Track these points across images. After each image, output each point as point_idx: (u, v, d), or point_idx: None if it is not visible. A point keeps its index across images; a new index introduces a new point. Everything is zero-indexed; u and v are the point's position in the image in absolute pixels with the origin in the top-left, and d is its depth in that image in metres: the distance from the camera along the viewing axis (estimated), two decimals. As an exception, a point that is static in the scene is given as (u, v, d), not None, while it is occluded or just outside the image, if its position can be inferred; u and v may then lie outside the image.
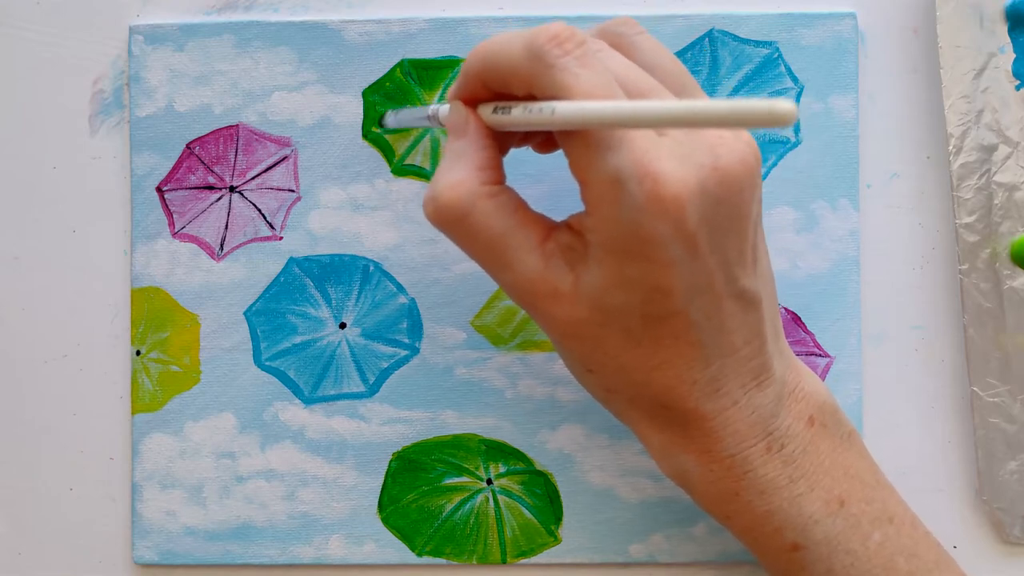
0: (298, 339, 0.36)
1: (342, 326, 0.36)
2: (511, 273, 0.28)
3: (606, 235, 0.26)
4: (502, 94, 0.28)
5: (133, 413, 0.36)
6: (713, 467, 0.29)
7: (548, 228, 0.28)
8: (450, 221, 0.28)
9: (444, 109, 0.30)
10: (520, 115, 0.27)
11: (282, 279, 0.36)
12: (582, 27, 0.35)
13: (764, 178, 0.35)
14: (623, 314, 0.27)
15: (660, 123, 0.23)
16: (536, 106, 0.26)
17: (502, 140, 0.29)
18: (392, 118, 0.35)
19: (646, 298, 0.27)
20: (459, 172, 0.28)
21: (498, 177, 0.28)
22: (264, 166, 0.36)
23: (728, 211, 0.26)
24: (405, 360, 0.36)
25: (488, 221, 0.28)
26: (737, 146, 0.26)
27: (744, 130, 0.27)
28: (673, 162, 0.25)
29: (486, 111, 0.28)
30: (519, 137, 0.31)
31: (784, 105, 0.21)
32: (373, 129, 0.36)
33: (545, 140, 0.31)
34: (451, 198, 0.27)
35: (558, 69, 0.26)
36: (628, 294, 0.27)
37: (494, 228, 0.28)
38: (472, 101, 0.29)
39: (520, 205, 0.28)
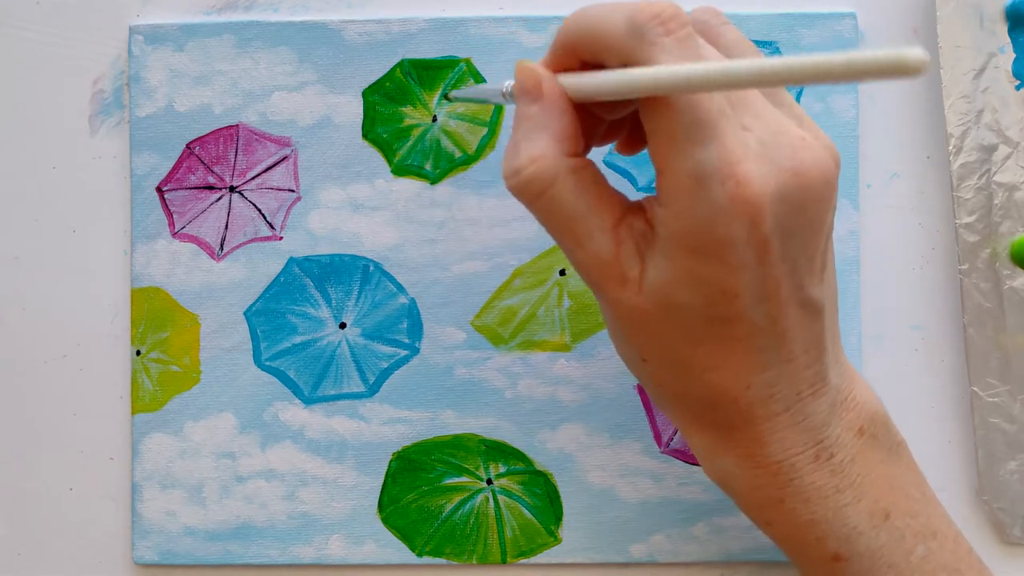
0: (298, 339, 0.36)
1: (342, 326, 0.36)
2: (582, 252, 0.27)
3: (678, 229, 0.26)
4: (592, 66, 0.27)
5: (133, 413, 0.36)
6: (758, 472, 0.28)
7: (623, 209, 0.28)
8: (530, 196, 0.27)
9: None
10: (611, 77, 0.25)
11: (282, 279, 0.36)
12: (582, 27, 0.35)
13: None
14: (685, 311, 0.27)
15: (775, 80, 0.22)
16: (636, 70, 0.25)
17: (587, 127, 0.28)
18: (460, 94, 0.34)
19: (711, 299, 0.26)
20: (541, 143, 0.27)
21: (579, 147, 0.27)
22: (264, 166, 0.36)
23: (804, 218, 0.26)
24: (405, 360, 0.36)
25: (568, 197, 0.27)
26: (820, 153, 0.26)
27: (827, 138, 0.27)
28: (757, 164, 0.25)
29: (567, 78, 0.27)
30: (603, 132, 0.30)
31: (914, 53, 0.20)
32: (447, 97, 0.35)
33: (629, 138, 0.31)
34: (533, 172, 0.27)
35: (658, 48, 0.25)
36: (693, 292, 0.26)
37: (572, 205, 0.27)
38: (559, 71, 0.28)
39: (599, 180, 0.27)
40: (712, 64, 0.23)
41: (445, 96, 0.35)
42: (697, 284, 0.26)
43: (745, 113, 0.26)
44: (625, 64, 0.26)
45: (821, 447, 0.28)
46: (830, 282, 0.28)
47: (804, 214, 0.26)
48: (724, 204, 0.25)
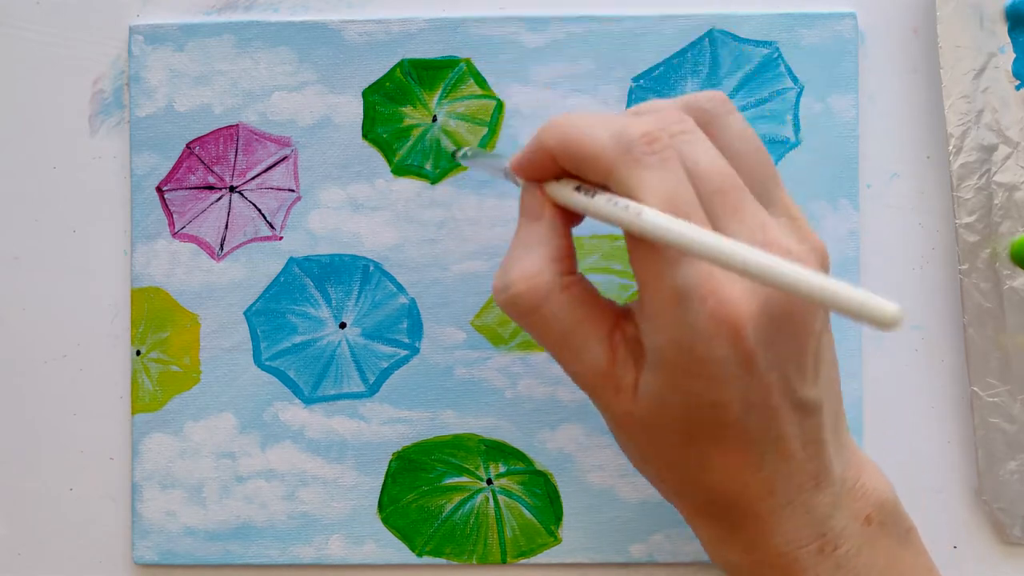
0: (298, 339, 0.36)
1: (342, 326, 0.36)
2: (578, 365, 0.27)
3: (661, 344, 0.26)
4: (572, 175, 0.27)
5: (133, 413, 0.36)
6: (763, 564, 0.28)
7: (616, 316, 0.28)
8: (521, 312, 0.27)
9: None
10: (603, 206, 0.26)
11: (282, 279, 0.36)
12: (581, 27, 0.35)
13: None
14: (679, 420, 0.26)
15: (743, 272, 0.23)
16: (623, 202, 0.25)
17: (574, 215, 0.29)
18: (464, 157, 0.35)
19: (699, 408, 0.26)
20: (535, 262, 0.27)
21: (572, 266, 0.28)
22: (264, 166, 0.36)
23: (790, 330, 0.26)
24: (405, 360, 0.36)
25: (560, 314, 0.27)
26: (806, 264, 0.25)
27: (817, 240, 0.27)
28: (739, 283, 0.25)
29: (564, 190, 0.27)
30: None
31: (888, 309, 0.20)
32: (453, 155, 0.35)
33: None
34: (525, 289, 0.27)
35: (643, 166, 0.25)
36: (684, 402, 0.26)
37: (565, 321, 0.27)
38: (539, 173, 0.28)
39: (591, 294, 0.28)
40: (693, 231, 0.23)
41: (453, 155, 0.35)
42: (685, 394, 0.26)
43: (732, 221, 0.26)
44: (608, 178, 0.26)
45: (825, 539, 0.28)
46: (828, 377, 0.28)
47: (790, 326, 0.26)
48: (703, 323, 0.25)
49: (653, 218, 0.24)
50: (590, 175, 0.27)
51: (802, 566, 0.28)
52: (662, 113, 0.26)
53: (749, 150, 0.28)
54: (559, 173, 0.28)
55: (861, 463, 0.29)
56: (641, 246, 0.26)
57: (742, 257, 0.23)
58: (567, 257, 0.28)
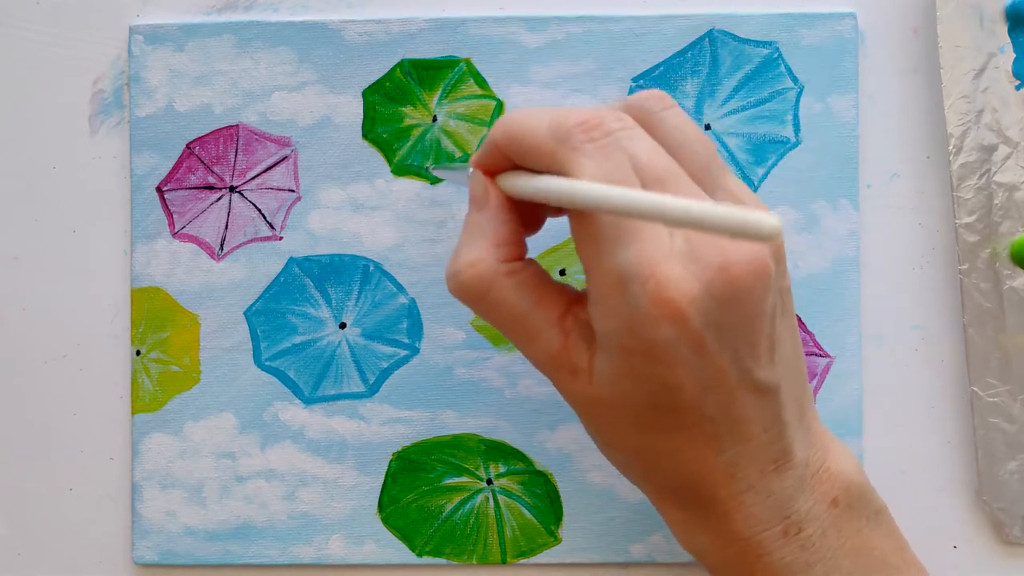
0: (298, 339, 0.36)
1: (342, 326, 0.36)
2: (533, 348, 0.28)
3: (609, 329, 0.26)
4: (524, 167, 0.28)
5: (133, 413, 0.36)
6: (728, 549, 0.28)
7: (569, 301, 0.28)
8: (470, 298, 0.28)
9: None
10: (523, 185, 0.27)
11: (282, 279, 0.36)
12: (580, 27, 0.35)
13: (764, 178, 0.35)
14: (632, 403, 0.27)
15: (639, 214, 0.23)
16: (556, 179, 0.26)
17: (531, 211, 0.29)
18: (435, 169, 0.35)
19: (654, 392, 0.26)
20: (478, 249, 0.28)
21: (518, 252, 0.28)
22: (264, 166, 0.36)
23: (738, 311, 0.26)
24: (405, 360, 0.36)
25: (508, 299, 0.28)
26: (749, 246, 0.26)
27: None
28: (679, 265, 0.25)
29: (507, 177, 0.28)
30: (554, 209, 0.30)
31: (769, 222, 0.21)
32: (426, 168, 0.36)
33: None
34: (470, 276, 0.28)
35: (580, 153, 0.26)
36: (636, 386, 0.26)
37: (514, 306, 0.28)
38: (494, 170, 0.29)
39: (541, 280, 0.28)
40: (599, 188, 0.24)
41: (425, 169, 0.36)
42: (638, 378, 0.26)
43: None
44: (551, 169, 0.27)
45: (790, 522, 0.28)
46: (786, 359, 0.28)
47: (737, 307, 0.26)
48: (646, 305, 0.25)
49: (558, 184, 0.25)
50: (535, 167, 0.27)
51: (767, 549, 0.28)
52: (600, 110, 0.27)
53: (689, 141, 0.28)
54: (512, 168, 0.29)
55: (827, 446, 0.29)
56: (584, 231, 0.26)
57: (634, 201, 0.23)
58: (512, 243, 0.28)
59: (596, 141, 0.26)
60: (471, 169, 0.30)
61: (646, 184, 0.26)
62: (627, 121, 0.27)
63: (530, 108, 0.28)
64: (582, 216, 0.26)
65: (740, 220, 0.21)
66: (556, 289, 0.28)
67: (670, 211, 0.23)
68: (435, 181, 0.36)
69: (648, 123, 0.28)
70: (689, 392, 0.26)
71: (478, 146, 0.36)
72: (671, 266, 0.25)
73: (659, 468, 0.28)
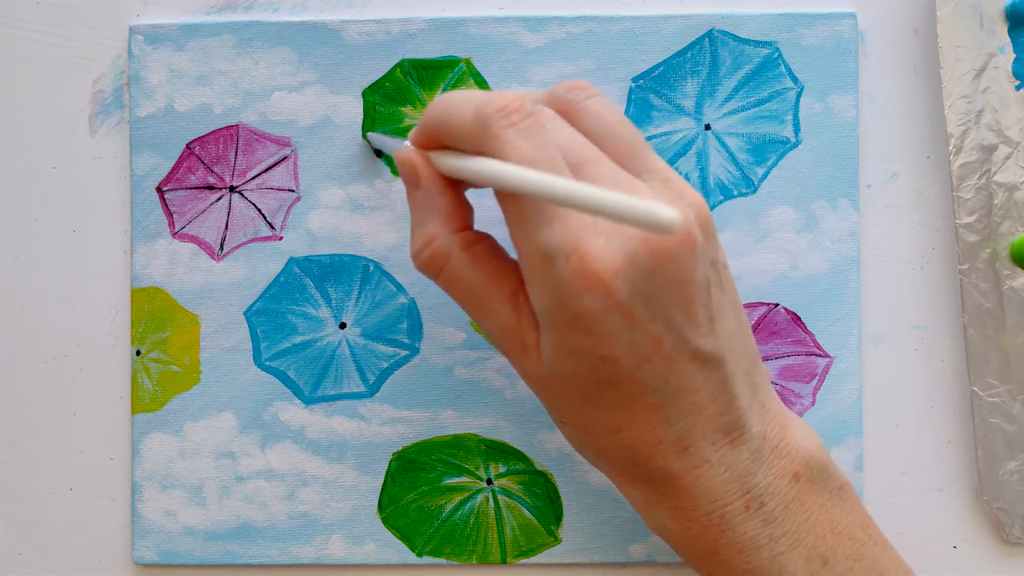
0: (298, 339, 0.36)
1: (342, 326, 0.36)
2: (487, 322, 0.29)
3: (542, 305, 0.27)
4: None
5: (133, 413, 0.36)
6: (690, 525, 0.29)
7: (520, 278, 0.29)
8: (434, 274, 0.29)
9: (401, 151, 0.30)
10: (449, 164, 0.28)
11: (282, 279, 0.36)
12: (580, 27, 0.35)
13: (764, 178, 0.35)
14: (576, 378, 0.27)
15: (551, 198, 0.24)
16: (466, 161, 0.27)
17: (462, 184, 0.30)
18: (373, 136, 0.35)
19: (593, 365, 0.27)
20: (431, 225, 0.29)
21: (466, 220, 0.29)
22: (264, 166, 0.36)
23: (664, 279, 0.26)
24: (405, 360, 0.36)
25: (464, 271, 0.28)
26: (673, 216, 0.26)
27: (694, 196, 0.28)
28: (601, 238, 0.26)
29: (437, 158, 0.29)
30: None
31: (667, 213, 0.22)
32: (365, 137, 0.36)
33: None
34: (430, 252, 0.29)
35: (501, 140, 0.26)
36: (576, 361, 0.27)
37: (469, 279, 0.28)
38: (427, 148, 0.30)
39: (495, 252, 0.29)
40: (515, 170, 0.25)
41: (365, 136, 0.36)
42: (576, 353, 0.27)
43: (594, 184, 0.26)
44: (476, 150, 0.27)
45: (750, 496, 0.28)
46: (729, 330, 0.28)
47: (663, 276, 0.26)
48: (571, 280, 0.26)
49: (477, 164, 0.26)
50: (463, 148, 0.28)
51: (730, 524, 0.28)
52: (522, 94, 0.27)
53: (610, 127, 0.28)
54: (443, 148, 0.29)
55: (785, 423, 0.30)
56: (511, 211, 0.27)
57: (542, 184, 0.24)
58: (456, 213, 0.29)
59: (516, 125, 0.26)
60: (406, 143, 0.30)
61: (569, 169, 0.27)
62: (549, 113, 0.28)
63: (457, 92, 0.28)
64: (509, 197, 0.27)
65: (642, 210, 0.22)
66: (510, 266, 0.29)
67: (579, 197, 0.23)
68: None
69: (570, 113, 0.29)
70: (626, 363, 0.27)
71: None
72: (593, 240, 0.26)
73: (612, 444, 0.28)
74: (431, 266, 0.29)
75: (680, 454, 0.28)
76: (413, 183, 0.29)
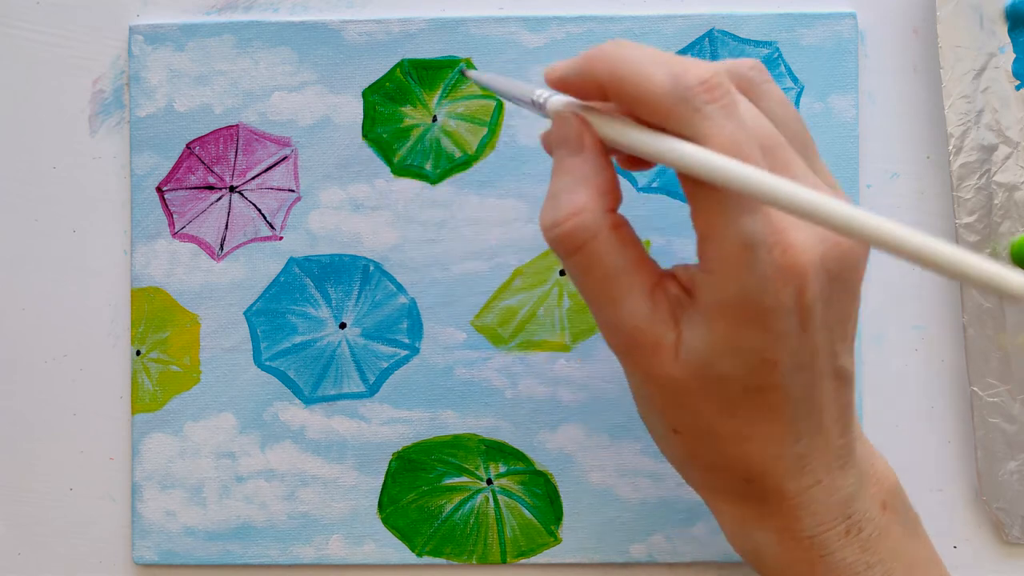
0: (298, 339, 0.36)
1: (342, 326, 0.36)
2: (617, 312, 0.26)
3: (724, 297, 0.25)
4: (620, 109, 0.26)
5: (133, 413, 0.36)
6: (790, 546, 0.28)
7: (658, 274, 0.27)
8: (570, 250, 0.26)
9: (555, 102, 0.27)
10: (650, 143, 0.25)
11: (282, 279, 0.36)
12: (580, 27, 0.35)
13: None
14: (724, 381, 0.26)
15: (821, 220, 0.22)
16: (676, 144, 0.24)
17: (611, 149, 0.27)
18: (481, 77, 0.33)
19: (750, 367, 0.25)
20: (583, 196, 0.26)
21: (618, 201, 0.26)
22: (264, 166, 0.36)
23: (843, 286, 0.26)
24: (405, 360, 0.36)
25: (608, 253, 0.26)
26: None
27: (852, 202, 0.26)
28: (803, 232, 0.25)
29: (605, 124, 0.26)
30: (644, 162, 0.29)
31: (1017, 281, 0.20)
32: (462, 73, 0.35)
33: (634, 161, 0.29)
34: (574, 225, 0.25)
35: (703, 115, 0.24)
36: (733, 361, 0.25)
37: (612, 262, 0.26)
38: (576, 96, 0.27)
39: (636, 241, 0.26)
40: (776, 181, 0.22)
41: (461, 72, 0.35)
42: (738, 353, 0.25)
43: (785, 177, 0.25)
44: (666, 123, 0.25)
45: (851, 521, 0.27)
46: (855, 354, 0.28)
47: (843, 282, 0.26)
48: (771, 272, 0.24)
49: (711, 160, 0.23)
50: (643, 115, 0.25)
51: (829, 548, 0.27)
52: (715, 65, 0.25)
53: (789, 117, 0.27)
54: (599, 101, 0.26)
55: (873, 451, 0.29)
56: (704, 198, 0.25)
57: (813, 202, 0.22)
58: (613, 192, 0.26)
59: (718, 102, 0.24)
60: (537, 93, 0.27)
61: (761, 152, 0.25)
62: (731, 87, 0.25)
63: (633, 47, 0.25)
64: (703, 182, 0.24)
65: (996, 278, 0.20)
66: (648, 257, 0.27)
67: (879, 235, 0.21)
68: (435, 181, 0.36)
69: (751, 92, 0.27)
70: (782, 370, 0.25)
71: (481, 140, 0.36)
72: (796, 233, 0.24)
73: (729, 456, 0.27)
74: (571, 240, 0.26)
75: (797, 473, 0.27)
76: (574, 147, 0.26)
